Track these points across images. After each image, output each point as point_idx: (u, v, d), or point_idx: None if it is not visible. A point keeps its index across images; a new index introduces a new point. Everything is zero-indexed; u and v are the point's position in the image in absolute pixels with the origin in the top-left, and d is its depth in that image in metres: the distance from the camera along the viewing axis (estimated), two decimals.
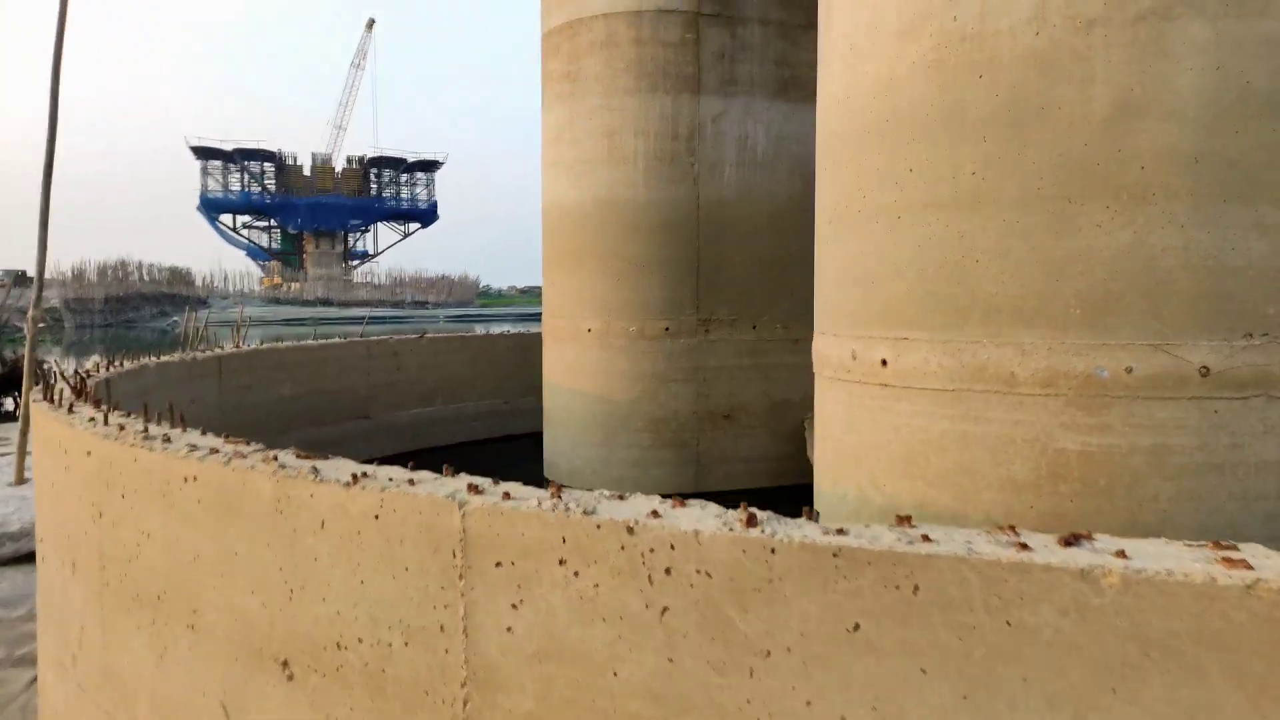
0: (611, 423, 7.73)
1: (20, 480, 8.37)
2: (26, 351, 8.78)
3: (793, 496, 8.10)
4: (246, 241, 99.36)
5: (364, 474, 2.04)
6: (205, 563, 2.35)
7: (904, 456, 3.44)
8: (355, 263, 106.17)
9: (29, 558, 7.01)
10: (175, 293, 69.30)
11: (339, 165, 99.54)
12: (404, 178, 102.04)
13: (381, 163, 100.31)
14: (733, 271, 7.71)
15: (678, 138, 7.44)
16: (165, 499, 2.44)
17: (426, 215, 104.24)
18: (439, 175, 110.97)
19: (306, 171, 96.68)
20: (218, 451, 2.35)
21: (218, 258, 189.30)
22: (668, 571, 1.69)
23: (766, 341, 7.88)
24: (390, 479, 2.02)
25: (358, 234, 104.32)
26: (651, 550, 1.70)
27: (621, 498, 1.85)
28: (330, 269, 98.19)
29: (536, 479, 8.30)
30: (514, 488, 1.93)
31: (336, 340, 8.93)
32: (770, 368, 7.95)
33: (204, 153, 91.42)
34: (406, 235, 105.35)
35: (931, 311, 3.28)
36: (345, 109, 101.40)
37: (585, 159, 7.61)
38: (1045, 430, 3.09)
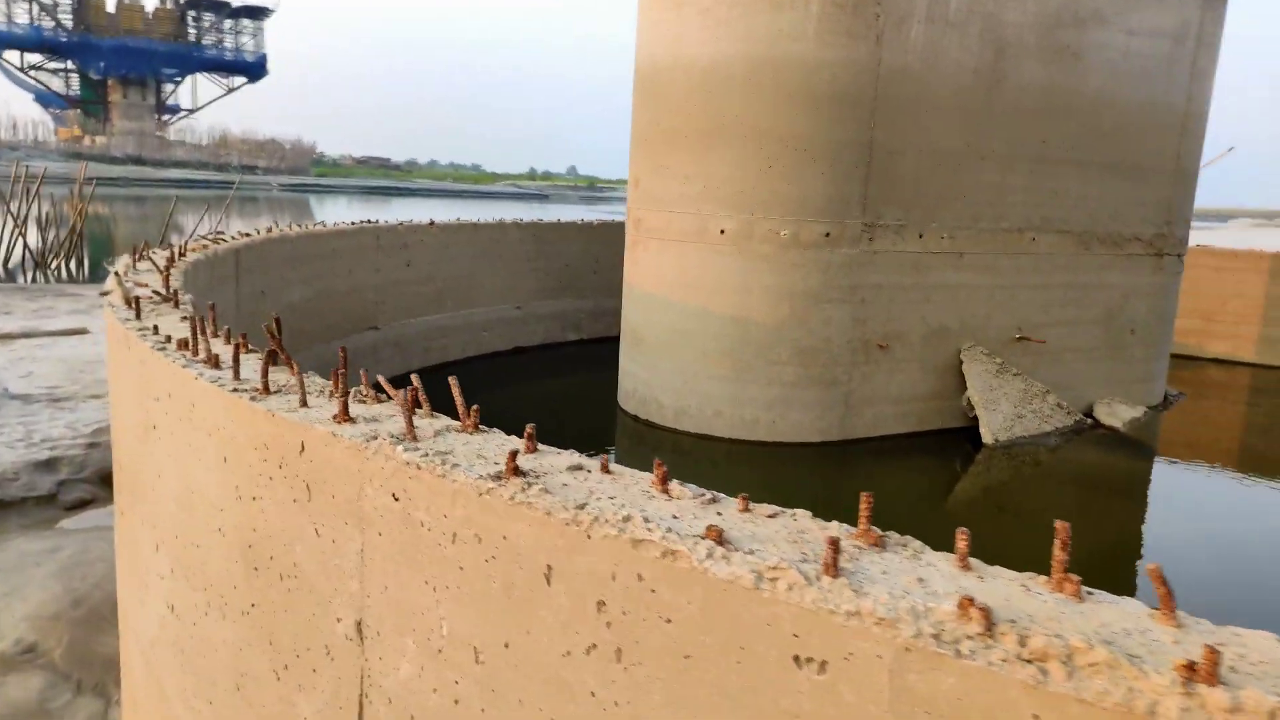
0: (746, 351, 6.08)
1: None
2: None
3: (941, 444, 6.51)
4: (36, 85, 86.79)
5: None
6: None
7: None
8: (170, 118, 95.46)
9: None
10: None
11: (150, 3, 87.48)
12: (227, 24, 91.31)
13: (200, 4, 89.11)
14: (905, 163, 6.09)
15: None
16: None
17: (253, 69, 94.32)
18: (270, 26, 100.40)
19: (110, 8, 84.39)
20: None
21: (4, 100, 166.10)
22: None
23: (931, 255, 6.38)
24: None
25: (173, 85, 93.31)
26: None
27: None
28: (141, 123, 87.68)
29: (599, 412, 6.14)
30: None
31: (343, 226, 6.67)
32: (931, 288, 6.48)
33: None
34: (230, 90, 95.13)
35: None
36: None
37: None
38: None
